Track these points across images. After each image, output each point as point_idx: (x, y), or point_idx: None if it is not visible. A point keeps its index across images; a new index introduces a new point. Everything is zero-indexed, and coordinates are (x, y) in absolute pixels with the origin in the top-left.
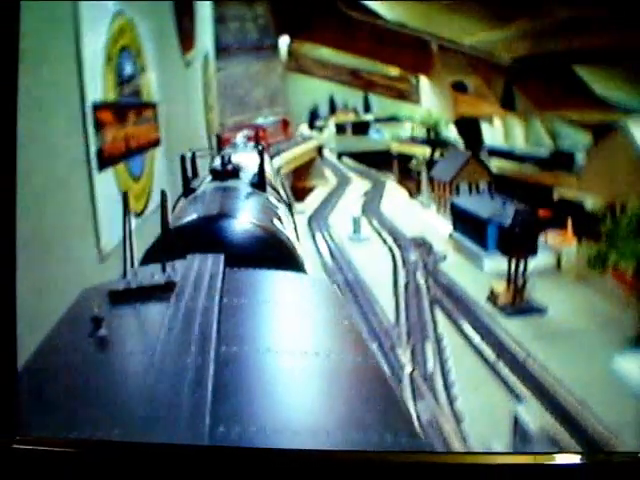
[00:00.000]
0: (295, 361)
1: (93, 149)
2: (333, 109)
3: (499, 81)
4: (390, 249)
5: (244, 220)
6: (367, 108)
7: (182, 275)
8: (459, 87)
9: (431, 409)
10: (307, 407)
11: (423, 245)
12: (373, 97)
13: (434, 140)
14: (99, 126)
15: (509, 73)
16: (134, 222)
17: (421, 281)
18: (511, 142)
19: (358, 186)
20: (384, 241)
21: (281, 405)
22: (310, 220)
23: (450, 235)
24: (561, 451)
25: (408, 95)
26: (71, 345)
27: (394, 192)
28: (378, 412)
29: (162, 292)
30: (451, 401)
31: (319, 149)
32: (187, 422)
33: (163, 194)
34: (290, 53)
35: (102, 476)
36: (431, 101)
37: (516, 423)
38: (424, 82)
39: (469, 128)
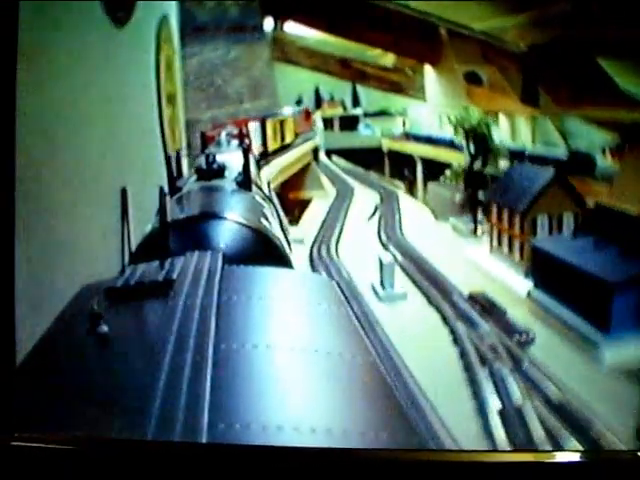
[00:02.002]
0: (294, 358)
1: None
2: (319, 102)
3: (517, 73)
4: (444, 318)
5: (232, 219)
6: (356, 101)
7: (180, 272)
8: (473, 79)
9: None
10: (306, 405)
11: (493, 311)
12: (361, 89)
13: (477, 147)
14: None
15: (527, 64)
16: None
17: (517, 394)
18: (518, 141)
19: (364, 198)
20: (429, 301)
21: (280, 403)
22: (312, 258)
23: (529, 294)
24: (561, 449)
25: (404, 88)
26: (69, 342)
27: (412, 209)
28: (376, 410)
29: (160, 289)
30: None
31: (314, 151)
32: (185, 419)
33: (162, 191)
34: (274, 39)
35: (100, 473)
36: (439, 95)
37: None
38: (429, 73)
39: None
